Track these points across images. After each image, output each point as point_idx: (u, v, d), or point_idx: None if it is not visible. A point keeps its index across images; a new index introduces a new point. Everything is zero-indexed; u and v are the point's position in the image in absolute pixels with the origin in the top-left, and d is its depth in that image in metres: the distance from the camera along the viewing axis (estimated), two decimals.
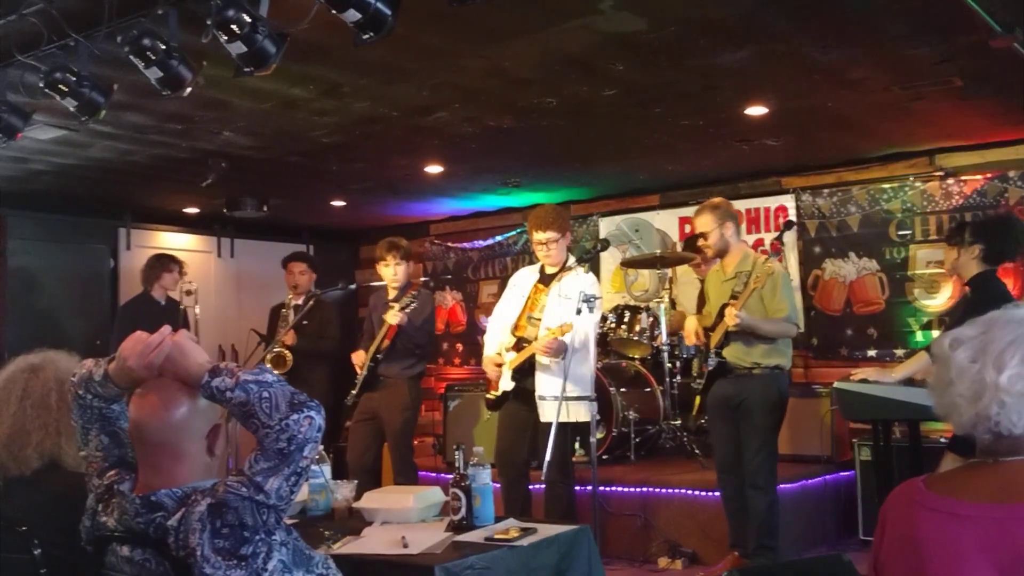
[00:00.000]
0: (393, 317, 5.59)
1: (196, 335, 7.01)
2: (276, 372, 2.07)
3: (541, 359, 4.95)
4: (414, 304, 5.61)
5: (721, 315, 4.92)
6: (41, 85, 3.90)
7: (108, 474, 2.13)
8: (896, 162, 6.84)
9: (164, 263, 7.18)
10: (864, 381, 4.39)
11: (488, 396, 5.26)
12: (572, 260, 5.17)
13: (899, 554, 1.65)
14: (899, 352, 6.73)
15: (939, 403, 1.72)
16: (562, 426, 4.65)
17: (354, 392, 5.80)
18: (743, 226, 7.44)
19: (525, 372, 5.05)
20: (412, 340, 5.74)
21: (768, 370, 4.89)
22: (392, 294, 5.94)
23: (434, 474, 6.77)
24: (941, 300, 6.62)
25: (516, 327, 5.18)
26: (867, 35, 4.26)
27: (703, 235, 5.10)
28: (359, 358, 5.83)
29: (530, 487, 5.24)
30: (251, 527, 1.92)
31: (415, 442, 8.09)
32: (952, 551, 1.57)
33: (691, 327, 5.16)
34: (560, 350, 4.79)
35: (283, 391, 1.97)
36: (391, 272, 5.89)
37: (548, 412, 4.78)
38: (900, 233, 6.84)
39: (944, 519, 1.60)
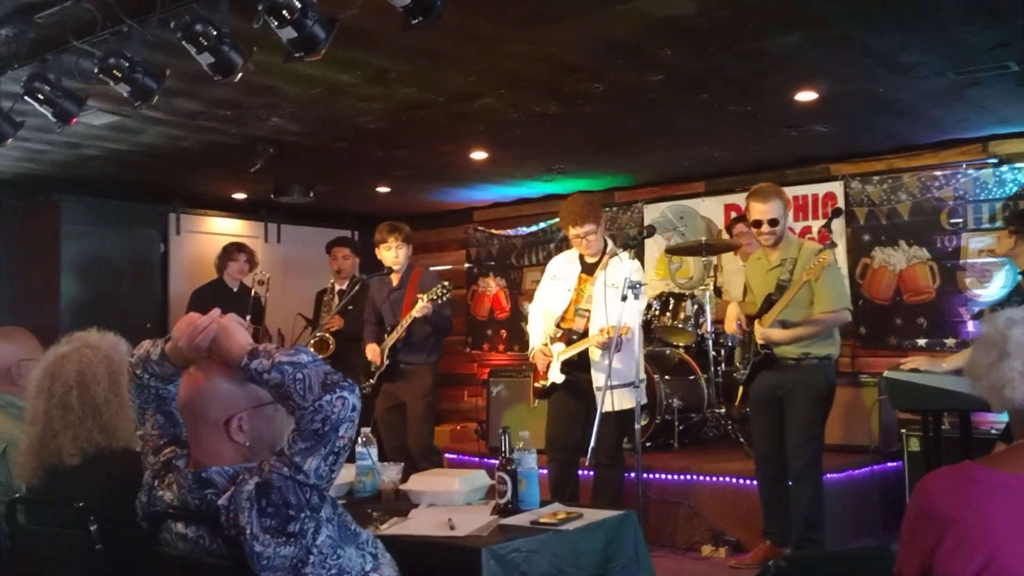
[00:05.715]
0: (420, 310, 5.59)
1: (263, 323, 7.12)
2: (317, 355, 2.09)
3: (594, 353, 4.96)
4: (447, 295, 5.64)
5: (768, 306, 4.84)
6: (95, 71, 3.96)
7: (164, 451, 2.17)
8: (948, 149, 6.71)
9: (229, 252, 7.31)
10: (915, 371, 4.32)
11: (536, 385, 5.30)
12: (611, 245, 5.15)
13: (969, 538, 1.64)
14: (949, 342, 6.61)
15: (986, 380, 1.77)
16: (617, 413, 4.87)
17: (372, 382, 5.83)
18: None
19: (574, 364, 5.09)
20: (437, 327, 5.76)
21: (817, 360, 4.81)
22: (395, 280, 5.92)
23: (476, 459, 6.80)
24: (993, 289, 6.49)
25: (563, 319, 5.19)
26: (921, 18, 4.18)
27: (773, 221, 4.86)
28: (373, 351, 5.84)
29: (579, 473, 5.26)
30: (295, 506, 1.95)
31: (457, 427, 8.16)
32: None
33: (732, 314, 5.06)
34: (614, 345, 4.78)
35: (317, 372, 1.99)
36: (392, 255, 5.87)
37: (607, 402, 4.78)
38: (952, 221, 6.70)
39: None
